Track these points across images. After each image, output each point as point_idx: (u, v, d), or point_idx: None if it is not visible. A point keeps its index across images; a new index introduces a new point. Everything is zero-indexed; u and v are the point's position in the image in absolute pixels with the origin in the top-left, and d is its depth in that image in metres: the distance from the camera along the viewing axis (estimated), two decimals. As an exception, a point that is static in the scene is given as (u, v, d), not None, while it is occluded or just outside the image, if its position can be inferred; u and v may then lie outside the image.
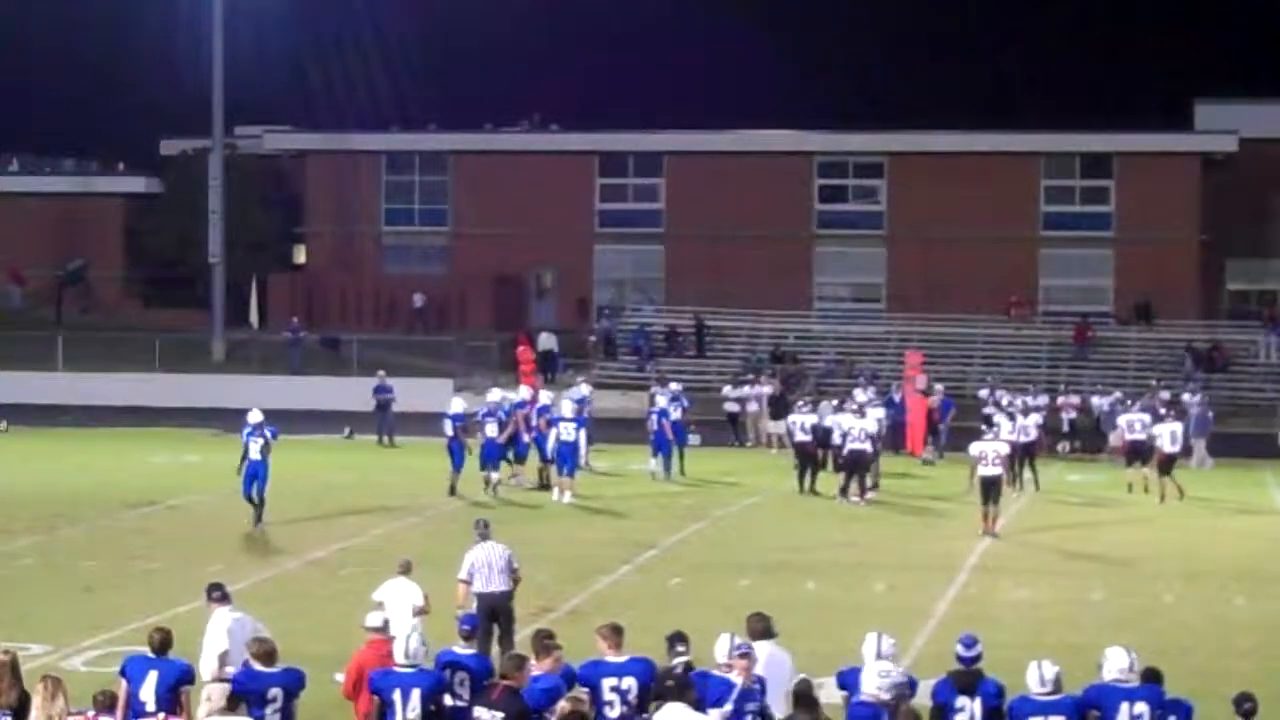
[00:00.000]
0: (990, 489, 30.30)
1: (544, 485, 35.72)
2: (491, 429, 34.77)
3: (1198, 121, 64.60)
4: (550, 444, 35.53)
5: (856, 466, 34.78)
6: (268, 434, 31.05)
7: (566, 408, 36.01)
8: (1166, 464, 35.42)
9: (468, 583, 19.32)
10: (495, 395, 36.43)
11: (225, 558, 27.43)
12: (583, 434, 36.38)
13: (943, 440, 42.86)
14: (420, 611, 17.88)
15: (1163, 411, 37.52)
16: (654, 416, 38.63)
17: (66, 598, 24.33)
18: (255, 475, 30.77)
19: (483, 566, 19.33)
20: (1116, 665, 13.40)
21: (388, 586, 18.44)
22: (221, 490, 35.73)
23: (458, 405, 36.18)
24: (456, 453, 35.00)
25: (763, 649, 14.31)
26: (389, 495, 34.96)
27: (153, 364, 56.82)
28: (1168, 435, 35.65)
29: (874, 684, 13.17)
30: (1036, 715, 13.22)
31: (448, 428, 35.27)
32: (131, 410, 50.62)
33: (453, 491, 34.76)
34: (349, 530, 30.52)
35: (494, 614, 19.00)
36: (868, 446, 34.82)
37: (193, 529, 30.53)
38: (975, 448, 31.05)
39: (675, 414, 38.99)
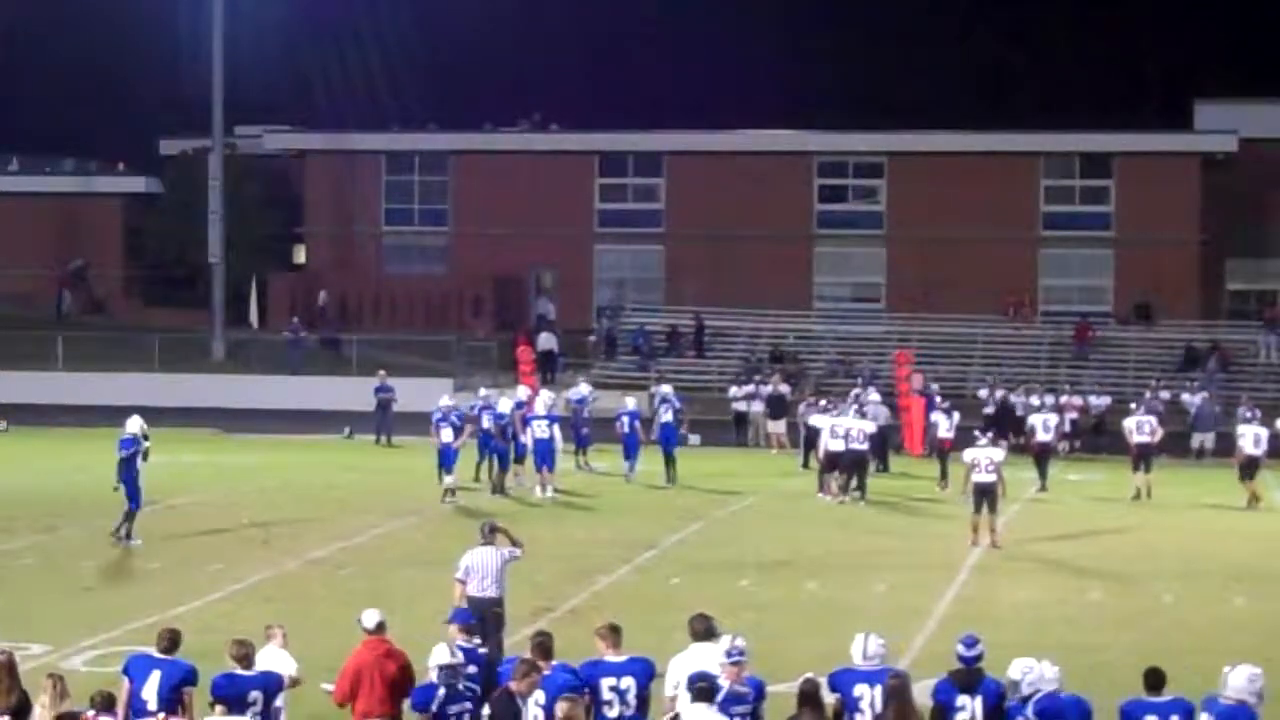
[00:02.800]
0: (983, 497, 29.37)
1: (496, 488, 35.16)
2: (446, 434, 34.15)
3: (1197, 121, 64.58)
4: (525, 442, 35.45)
5: (853, 467, 34.87)
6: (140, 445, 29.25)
7: (541, 405, 36.07)
8: (1249, 466, 34.83)
9: (464, 582, 19.28)
10: (446, 400, 35.58)
11: (224, 557, 27.44)
12: (557, 429, 35.92)
13: (933, 440, 42.85)
14: (293, 683, 15.76)
15: (1248, 415, 37.18)
16: (624, 418, 38.18)
17: (66, 598, 24.33)
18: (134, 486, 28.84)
19: (478, 570, 19.27)
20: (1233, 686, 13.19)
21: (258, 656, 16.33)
22: (221, 490, 35.79)
23: (504, 405, 36.07)
24: (503, 452, 35.08)
25: (704, 651, 14.23)
26: (389, 495, 34.95)
27: (152, 364, 56.81)
28: (1250, 437, 34.97)
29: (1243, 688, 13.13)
30: None
31: (490, 426, 35.32)
32: (131, 410, 50.40)
33: (501, 490, 34.83)
34: (349, 530, 30.51)
35: (482, 618, 19.00)
36: (864, 446, 34.96)
37: (192, 529, 30.52)
38: (969, 454, 30.51)
39: (666, 416, 38.44)
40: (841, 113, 67.29)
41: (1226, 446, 43.42)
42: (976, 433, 31.77)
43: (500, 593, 19.27)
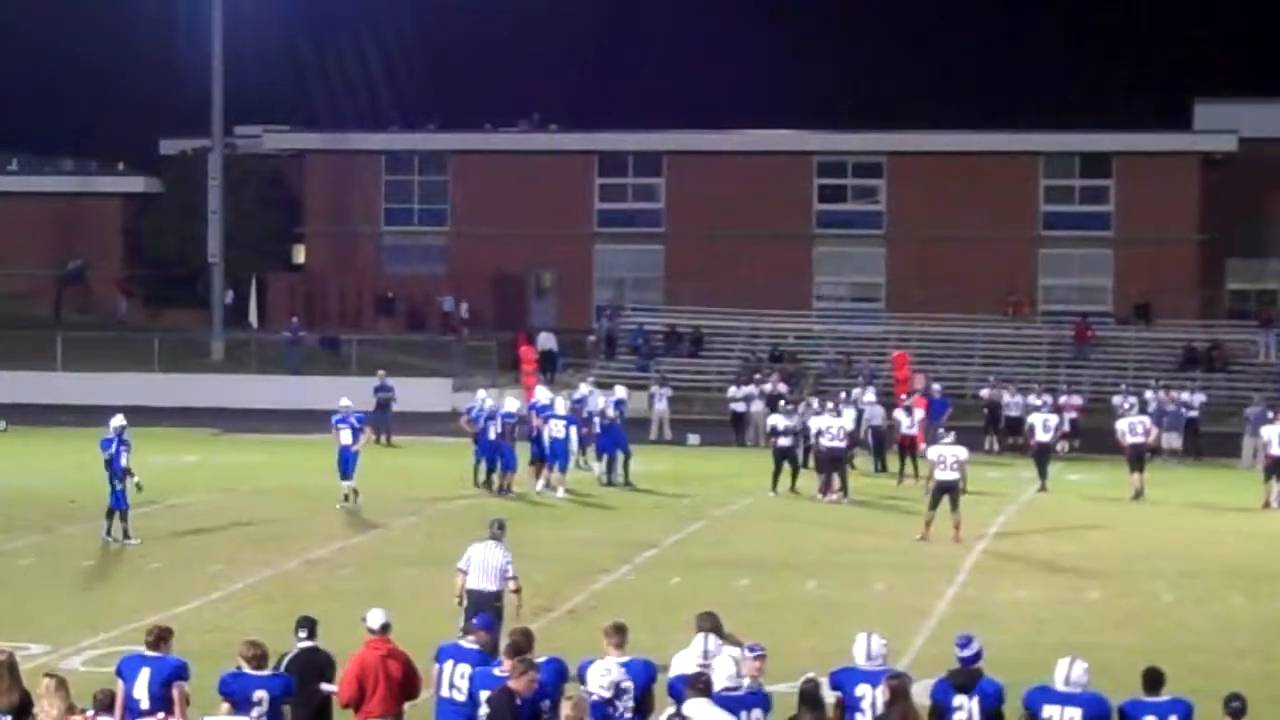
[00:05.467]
0: (944, 494, 29.49)
1: (502, 489, 34.97)
2: (345, 435, 33.16)
3: (1197, 121, 64.58)
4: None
5: (832, 465, 34.95)
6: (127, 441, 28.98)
7: (560, 405, 36.12)
8: (1273, 467, 34.59)
9: (465, 573, 19.52)
10: (345, 401, 34.54)
11: (225, 557, 27.44)
12: (573, 430, 35.93)
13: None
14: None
15: (1270, 415, 37.17)
16: (598, 419, 37.92)
17: (66, 597, 24.33)
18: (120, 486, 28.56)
19: (479, 563, 19.52)
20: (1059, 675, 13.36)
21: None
22: (221, 490, 35.78)
23: (511, 404, 35.96)
24: (507, 453, 34.98)
25: (710, 641, 14.25)
26: (388, 495, 34.93)
27: (152, 364, 56.81)
28: (1276, 437, 34.76)
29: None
30: (1053, 704, 13.22)
31: (498, 426, 35.23)
32: (130, 410, 50.09)
33: (506, 490, 34.76)
34: (348, 530, 30.52)
35: (479, 612, 19.16)
36: (843, 444, 35.08)
37: (192, 528, 30.52)
38: (933, 451, 30.62)
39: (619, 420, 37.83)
40: (841, 112, 67.31)
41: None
42: (941, 430, 31.91)
43: (499, 588, 19.39)
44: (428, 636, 16.58)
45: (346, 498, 32.99)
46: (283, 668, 14.66)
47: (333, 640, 19.53)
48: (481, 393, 37.01)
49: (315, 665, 14.85)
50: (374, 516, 32.14)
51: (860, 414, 39.87)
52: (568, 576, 25.81)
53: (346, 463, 33.09)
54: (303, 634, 15.04)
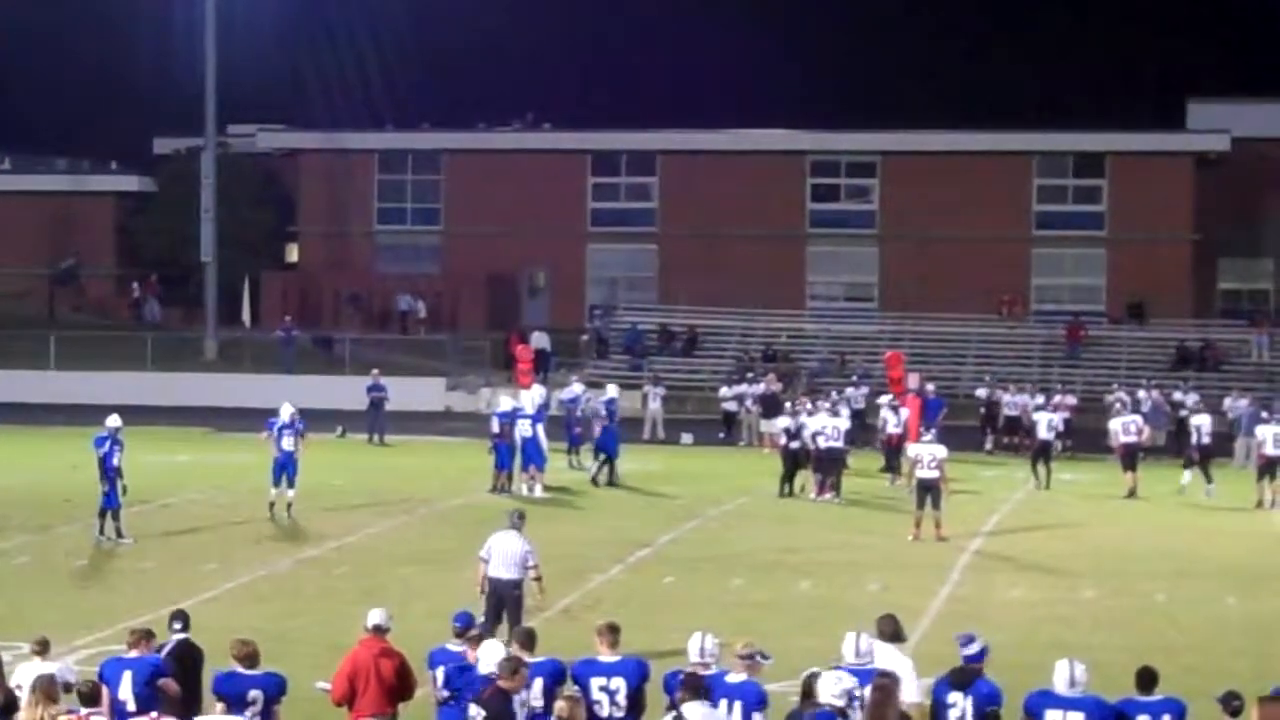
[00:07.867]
0: (926, 493, 29.73)
1: (497, 488, 35.01)
2: (288, 442, 31.95)
3: (1190, 121, 64.63)
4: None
5: (830, 464, 34.95)
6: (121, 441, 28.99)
7: (529, 404, 36.12)
8: (1268, 467, 34.65)
9: (486, 561, 20.13)
10: (288, 409, 32.62)
11: (218, 556, 27.45)
12: (540, 428, 35.76)
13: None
14: (68, 688, 13.99)
15: (1264, 415, 37.24)
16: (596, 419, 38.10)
17: (60, 597, 24.33)
18: (113, 486, 28.53)
19: (499, 552, 20.08)
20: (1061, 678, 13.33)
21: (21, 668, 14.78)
22: (214, 489, 35.75)
23: (506, 403, 35.95)
24: (503, 452, 35.01)
25: (887, 652, 14.27)
26: (382, 494, 34.95)
27: (145, 363, 56.77)
28: (1270, 437, 34.82)
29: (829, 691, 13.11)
30: (1055, 709, 13.20)
31: (494, 425, 35.23)
32: (124, 409, 50.16)
33: (500, 489, 34.77)
34: (342, 529, 30.51)
35: (501, 601, 19.58)
36: (840, 444, 35.08)
37: (186, 527, 30.51)
38: (913, 450, 30.74)
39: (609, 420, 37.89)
40: (834, 112, 67.32)
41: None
42: (921, 429, 31.99)
43: (518, 575, 20.04)
44: (422, 635, 16.60)
45: (288, 505, 31.57)
46: (162, 656, 14.86)
47: (327, 639, 19.60)
48: (287, 405, 35.45)
49: (191, 656, 15.12)
50: (367, 515, 32.13)
51: (856, 413, 39.87)
52: (561, 576, 25.76)
53: (288, 469, 31.72)
54: (177, 625, 15.39)
